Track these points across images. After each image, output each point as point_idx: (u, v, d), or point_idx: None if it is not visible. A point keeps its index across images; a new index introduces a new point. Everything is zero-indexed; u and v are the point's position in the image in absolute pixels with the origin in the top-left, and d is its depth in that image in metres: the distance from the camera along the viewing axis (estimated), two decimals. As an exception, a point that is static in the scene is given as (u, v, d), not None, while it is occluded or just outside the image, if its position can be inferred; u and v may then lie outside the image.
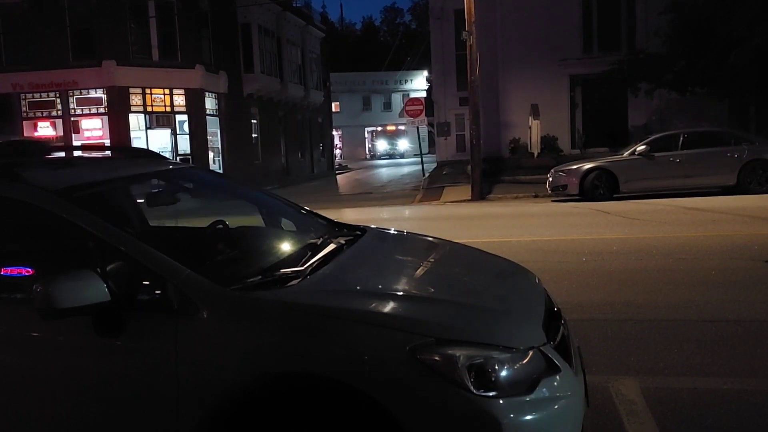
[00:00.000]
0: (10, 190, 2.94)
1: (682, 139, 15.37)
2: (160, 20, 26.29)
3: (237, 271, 2.96)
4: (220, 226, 4.02)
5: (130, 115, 26.16)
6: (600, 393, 3.88)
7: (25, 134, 26.05)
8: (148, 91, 26.44)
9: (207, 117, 28.15)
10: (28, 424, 2.76)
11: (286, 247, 3.64)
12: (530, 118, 24.70)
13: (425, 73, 56.17)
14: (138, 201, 4.18)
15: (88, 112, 26.31)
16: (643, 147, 15.34)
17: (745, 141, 15.35)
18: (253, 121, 33.33)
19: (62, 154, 4.73)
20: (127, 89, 25.94)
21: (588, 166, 15.49)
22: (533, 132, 24.71)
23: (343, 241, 3.54)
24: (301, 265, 3.00)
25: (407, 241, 4.13)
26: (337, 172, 45.58)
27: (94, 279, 2.52)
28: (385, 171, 41.41)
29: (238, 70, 31.30)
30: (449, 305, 2.78)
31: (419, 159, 31.82)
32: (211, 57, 28.77)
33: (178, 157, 25.96)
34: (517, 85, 26.85)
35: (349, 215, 15.64)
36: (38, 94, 26.20)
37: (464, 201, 17.66)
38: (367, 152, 66.39)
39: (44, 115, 26.42)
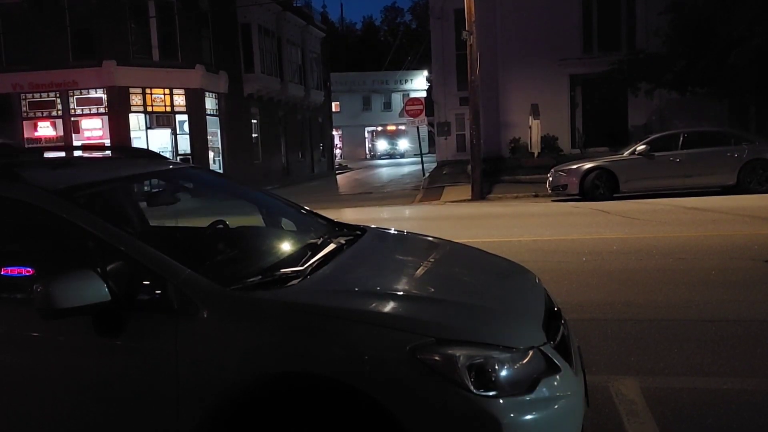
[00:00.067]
0: (10, 190, 2.94)
1: (682, 138, 15.38)
2: (160, 20, 26.29)
3: (237, 271, 2.96)
4: (220, 226, 4.02)
5: (130, 115, 26.16)
6: (600, 393, 3.88)
7: (25, 134, 26.12)
8: (148, 91, 26.45)
9: (207, 117, 28.16)
10: (28, 424, 2.76)
11: (286, 247, 3.64)
12: (530, 117, 24.70)
13: (425, 72, 56.17)
14: (138, 201, 4.19)
15: (88, 112, 26.32)
16: (643, 147, 15.34)
17: (745, 141, 15.36)
18: (253, 121, 33.34)
19: (52, 154, 4.71)
20: (127, 89, 25.94)
21: (588, 165, 15.50)
22: (533, 132, 24.72)
23: (343, 241, 3.54)
24: (301, 265, 3.00)
25: (407, 241, 4.13)
26: (337, 172, 45.58)
27: (94, 279, 2.52)
28: (385, 171, 41.41)
29: (238, 70, 31.31)
30: (449, 305, 2.78)
31: (419, 159, 31.84)
32: (211, 57, 28.78)
33: (178, 157, 25.97)
34: (517, 84, 26.85)
35: (349, 215, 15.64)
36: (38, 94, 26.20)
37: (464, 201, 17.66)
38: (367, 152, 66.38)
39: (44, 115, 26.42)
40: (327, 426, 2.39)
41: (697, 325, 5.27)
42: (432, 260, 3.56)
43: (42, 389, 2.70)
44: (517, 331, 2.67)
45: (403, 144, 62.59)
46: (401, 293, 2.92)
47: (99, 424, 2.66)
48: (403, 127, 52.89)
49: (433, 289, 3.06)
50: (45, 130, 26.32)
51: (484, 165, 19.01)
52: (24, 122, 26.29)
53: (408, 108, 30.06)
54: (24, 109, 26.36)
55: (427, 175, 28.35)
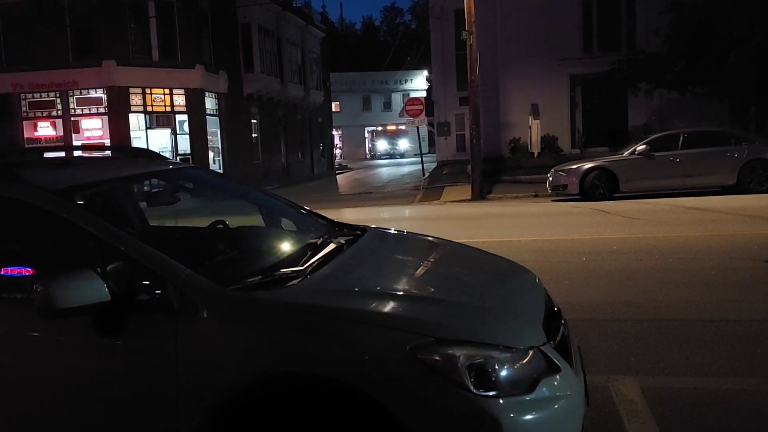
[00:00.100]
0: (10, 190, 2.94)
1: (682, 138, 15.38)
2: (160, 20, 26.29)
3: (237, 271, 2.96)
4: (220, 226, 4.02)
5: (130, 115, 26.15)
6: (600, 393, 3.88)
7: (25, 134, 26.13)
8: (148, 91, 26.44)
9: (207, 117, 28.16)
10: (29, 424, 2.76)
11: (286, 247, 3.64)
12: (530, 117, 24.70)
13: (425, 72, 56.18)
14: (138, 201, 4.19)
15: (88, 112, 26.31)
16: (643, 147, 15.34)
17: (745, 141, 15.36)
18: (253, 121, 33.34)
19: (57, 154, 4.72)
20: (127, 89, 25.94)
21: (588, 165, 15.50)
22: (533, 132, 24.72)
23: (343, 241, 3.54)
24: (301, 265, 3.00)
25: (407, 241, 4.13)
26: (337, 172, 45.58)
27: (94, 279, 2.52)
28: (385, 171, 41.41)
29: (238, 70, 31.31)
30: (449, 305, 2.78)
31: (419, 159, 31.84)
32: (211, 57, 28.78)
33: (178, 157, 25.97)
34: (517, 84, 26.85)
35: (349, 215, 15.64)
36: (38, 94, 26.19)
37: (464, 201, 17.66)
38: (367, 152, 66.36)
39: (44, 115, 26.41)
40: (327, 426, 2.39)
41: (697, 325, 5.27)
42: (432, 260, 3.55)
43: (42, 389, 2.69)
44: (517, 331, 2.67)
45: (403, 144, 62.58)
46: (401, 293, 2.92)
47: (99, 424, 2.66)
48: (403, 127, 52.88)
49: (433, 289, 3.06)
50: (45, 130, 26.31)
51: (484, 165, 19.02)
52: (24, 122, 26.28)
53: (408, 108, 30.07)
54: (24, 109, 26.35)
55: (427, 175, 28.36)
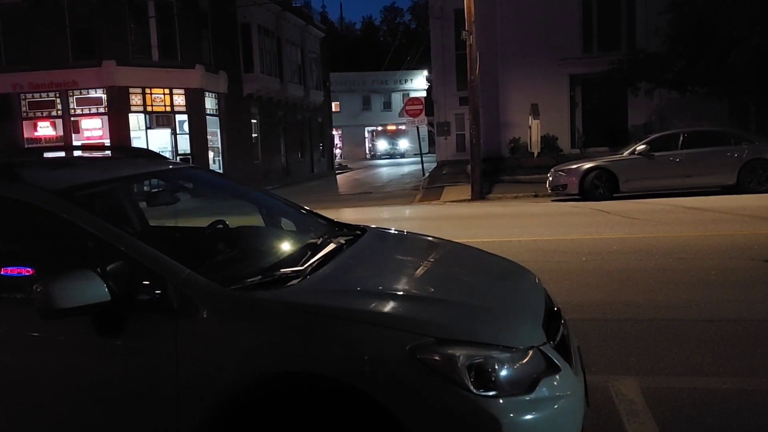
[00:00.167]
0: (10, 190, 2.94)
1: (682, 138, 15.38)
2: (159, 20, 26.29)
3: (237, 271, 2.96)
4: (220, 226, 4.02)
5: (130, 115, 26.15)
6: (600, 393, 3.88)
7: (25, 134, 26.13)
8: (148, 91, 26.44)
9: (207, 117, 28.16)
10: (29, 424, 2.76)
11: (286, 246, 3.64)
12: (530, 117, 24.70)
13: (425, 72, 56.16)
14: (138, 201, 4.18)
15: (88, 112, 26.31)
16: (643, 146, 15.34)
17: (745, 140, 15.35)
18: (253, 121, 33.34)
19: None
20: (127, 89, 25.94)
21: (588, 165, 15.49)
22: (533, 131, 24.72)
23: (343, 241, 3.54)
24: (301, 265, 3.00)
25: (407, 241, 4.13)
26: (337, 171, 45.58)
27: (94, 279, 2.52)
28: (385, 171, 41.41)
29: (238, 70, 31.31)
30: (449, 305, 2.78)
31: (419, 159, 31.84)
32: (211, 57, 28.78)
33: (178, 157, 25.97)
34: (517, 84, 26.85)
35: (349, 215, 15.64)
36: (38, 94, 26.19)
37: (464, 201, 17.66)
38: (367, 152, 66.36)
39: (44, 115, 26.41)
40: (327, 426, 2.39)
41: (697, 325, 5.27)
42: (432, 260, 3.56)
43: (42, 389, 2.70)
44: (516, 330, 2.67)
45: (403, 144, 62.58)
46: (401, 293, 2.92)
47: (99, 424, 2.66)
48: (403, 127, 52.87)
49: (432, 289, 3.06)
50: (45, 130, 26.31)
51: (483, 165, 19.02)
52: (24, 122, 26.28)
53: (408, 108, 30.07)
54: (24, 109, 26.35)
55: (426, 175, 28.36)
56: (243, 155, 30.97)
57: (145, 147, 22.76)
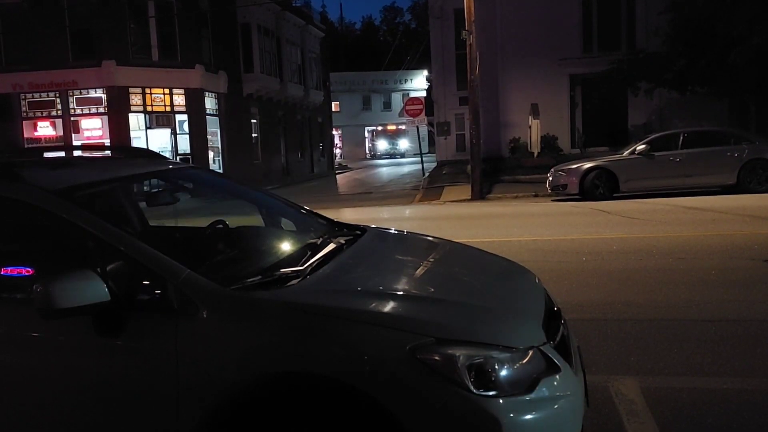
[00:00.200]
0: (10, 190, 2.94)
1: (682, 138, 15.39)
2: (159, 20, 26.29)
3: (237, 271, 2.96)
4: (220, 226, 4.01)
5: (129, 114, 26.15)
6: (600, 393, 3.88)
7: (25, 134, 26.13)
8: (147, 90, 26.45)
9: (207, 117, 28.16)
10: (29, 424, 2.76)
11: (286, 246, 3.64)
12: (530, 117, 24.70)
13: (425, 72, 56.15)
14: (138, 201, 4.18)
15: (88, 112, 26.31)
16: (643, 146, 15.34)
17: (745, 140, 15.36)
18: (253, 121, 33.34)
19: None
20: (126, 89, 25.94)
21: (588, 165, 15.50)
22: (533, 131, 24.72)
23: (343, 241, 3.54)
24: (301, 265, 3.00)
25: (407, 241, 4.13)
26: (337, 171, 45.58)
27: (94, 279, 2.52)
28: (385, 171, 41.41)
29: (237, 70, 31.32)
30: (449, 305, 2.78)
31: (419, 158, 31.83)
32: (211, 57, 28.77)
33: (178, 157, 25.97)
34: (517, 84, 26.85)
35: (349, 215, 15.64)
36: (38, 94, 26.19)
37: (464, 200, 17.66)
38: (367, 152, 66.35)
39: (44, 115, 26.41)
40: (327, 426, 2.39)
41: (697, 325, 5.27)
42: (432, 260, 3.56)
43: (42, 389, 2.69)
44: (516, 330, 2.67)
45: (403, 144, 62.58)
46: (401, 293, 2.92)
47: (99, 424, 2.66)
48: (403, 127, 52.88)
49: (432, 289, 3.06)
50: (45, 130, 26.31)
51: (483, 165, 19.02)
52: (24, 122, 26.28)
53: (408, 108, 30.07)
54: (24, 109, 26.35)
55: (426, 174, 28.36)
56: (243, 155, 30.97)
57: (145, 147, 22.76)
